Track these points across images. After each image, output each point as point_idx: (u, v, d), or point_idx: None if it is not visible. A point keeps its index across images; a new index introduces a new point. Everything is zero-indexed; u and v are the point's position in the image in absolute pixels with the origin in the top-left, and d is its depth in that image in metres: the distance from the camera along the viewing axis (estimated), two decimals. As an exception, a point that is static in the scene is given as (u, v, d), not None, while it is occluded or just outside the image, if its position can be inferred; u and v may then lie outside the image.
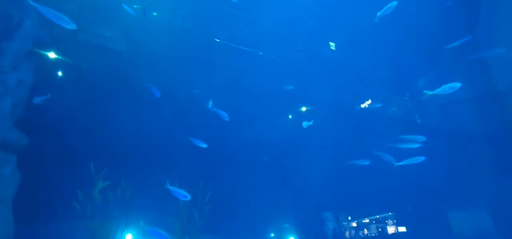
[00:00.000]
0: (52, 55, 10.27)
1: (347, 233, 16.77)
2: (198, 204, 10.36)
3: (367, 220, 17.61)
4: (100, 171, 7.77)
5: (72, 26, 6.14)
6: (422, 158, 9.51)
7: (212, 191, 9.62)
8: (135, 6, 12.00)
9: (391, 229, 16.95)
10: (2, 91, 7.73)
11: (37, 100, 7.13)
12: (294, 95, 13.73)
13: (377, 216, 17.51)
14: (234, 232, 11.23)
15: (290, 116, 14.84)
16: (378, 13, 9.53)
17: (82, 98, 10.91)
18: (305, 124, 10.89)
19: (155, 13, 12.14)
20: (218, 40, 12.90)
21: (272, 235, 13.70)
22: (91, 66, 11.39)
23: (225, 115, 9.18)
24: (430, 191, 14.23)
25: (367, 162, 11.68)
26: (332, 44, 13.29)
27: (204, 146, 9.12)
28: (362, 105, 14.68)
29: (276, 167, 13.35)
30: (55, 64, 10.44)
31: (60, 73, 11.00)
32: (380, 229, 17.10)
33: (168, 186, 7.08)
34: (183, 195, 7.10)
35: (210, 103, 9.65)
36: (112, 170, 8.00)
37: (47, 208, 8.13)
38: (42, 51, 9.52)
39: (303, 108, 14.63)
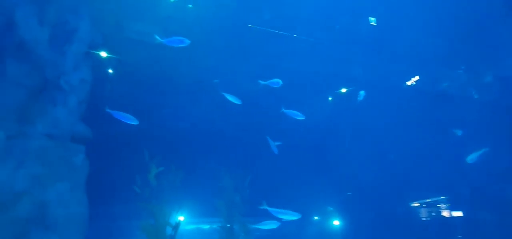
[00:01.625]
0: (103, 54, 11.58)
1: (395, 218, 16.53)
2: (239, 189, 11.15)
3: (416, 204, 17.16)
4: (153, 158, 8.82)
5: (186, 42, 7.33)
6: None
7: (254, 176, 10.25)
8: (171, 0, 12.86)
9: (444, 214, 16.34)
10: (68, 90, 9.05)
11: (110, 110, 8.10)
12: (333, 77, 13.68)
13: (428, 200, 16.95)
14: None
15: (330, 98, 14.84)
16: None
17: (130, 91, 12.19)
18: (361, 93, 10.37)
19: (190, 5, 12.88)
20: (251, 26, 13.25)
21: (315, 218, 14.09)
22: (136, 61, 12.58)
23: (299, 115, 8.98)
24: (491, 173, 13.38)
25: (460, 133, 11.36)
26: (372, 19, 12.83)
27: (276, 151, 9.32)
28: (408, 83, 14.10)
29: (318, 150, 13.56)
30: (107, 62, 11.77)
31: (111, 71, 12.37)
32: (433, 214, 16.58)
33: (266, 207, 7.50)
34: (292, 214, 7.38)
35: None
36: (164, 157, 9.01)
37: (113, 191, 9.49)
38: (96, 52, 10.80)
39: (343, 90, 14.52)
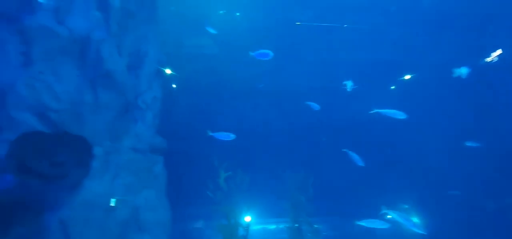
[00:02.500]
0: (168, 71, 13.19)
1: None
2: (303, 189, 11.52)
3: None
4: (222, 163, 9.81)
5: (270, 55, 8.30)
6: None
7: (321, 174, 10.53)
8: (221, 12, 13.95)
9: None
10: (144, 107, 10.61)
11: (214, 134, 9.33)
12: (394, 64, 13.12)
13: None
14: (346, 213, 11.84)
15: (392, 87, 14.27)
16: None
17: (194, 102, 13.57)
18: (464, 71, 8.98)
19: (238, 13, 13.80)
20: (298, 23, 13.53)
21: (388, 216, 13.55)
22: (196, 73, 13.96)
23: (400, 114, 8.81)
24: None
25: None
26: None
27: (362, 164, 9.55)
28: (488, 59, 12.70)
29: (387, 143, 13.11)
30: (171, 78, 13.35)
31: (176, 85, 13.98)
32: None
33: (387, 211, 7.99)
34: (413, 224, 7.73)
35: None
36: (231, 162, 9.95)
37: (193, 196, 10.77)
38: (162, 70, 12.40)
39: (407, 77, 13.83)
